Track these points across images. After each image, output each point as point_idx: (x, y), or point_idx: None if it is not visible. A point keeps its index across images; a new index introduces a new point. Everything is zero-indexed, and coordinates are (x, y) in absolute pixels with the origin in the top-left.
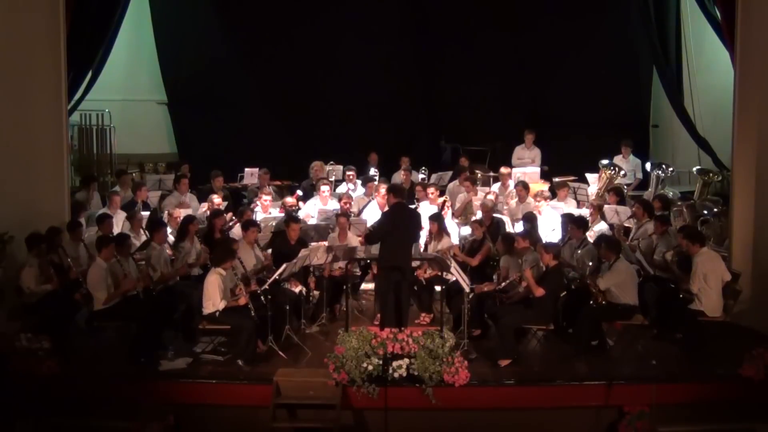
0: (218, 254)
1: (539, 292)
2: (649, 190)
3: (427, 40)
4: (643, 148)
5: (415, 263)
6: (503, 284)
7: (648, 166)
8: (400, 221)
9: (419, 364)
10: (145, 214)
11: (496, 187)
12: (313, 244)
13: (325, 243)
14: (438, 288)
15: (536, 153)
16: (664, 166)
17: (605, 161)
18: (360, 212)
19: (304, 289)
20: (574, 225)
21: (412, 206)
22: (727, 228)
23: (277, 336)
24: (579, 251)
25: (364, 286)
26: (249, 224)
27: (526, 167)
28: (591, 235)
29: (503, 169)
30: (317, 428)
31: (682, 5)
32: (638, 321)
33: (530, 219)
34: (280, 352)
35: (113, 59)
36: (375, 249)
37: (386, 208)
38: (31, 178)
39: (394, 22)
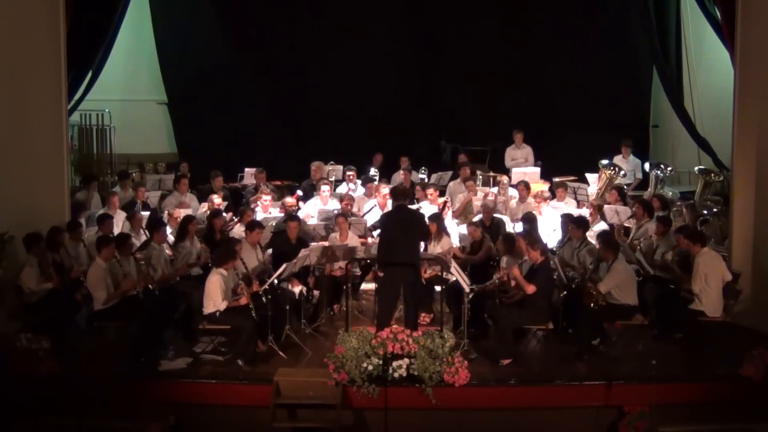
0: (220, 255)
1: (530, 288)
2: (649, 190)
3: (427, 39)
4: (643, 148)
5: None
6: (496, 281)
7: (647, 166)
8: (394, 222)
9: (419, 364)
10: (145, 214)
11: (496, 188)
12: (313, 244)
13: (326, 243)
14: (438, 288)
15: (528, 151)
16: (662, 166)
17: (605, 161)
18: (364, 215)
19: (304, 289)
20: (574, 225)
21: (412, 207)
22: (727, 228)
23: (277, 336)
24: (579, 251)
25: (364, 286)
26: (254, 225)
27: (524, 167)
28: (591, 235)
29: (501, 178)
30: (317, 428)
31: (682, 5)
32: (638, 321)
33: (530, 219)
34: (280, 352)
35: (113, 59)
36: (374, 249)
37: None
38: (31, 178)
39: (394, 22)
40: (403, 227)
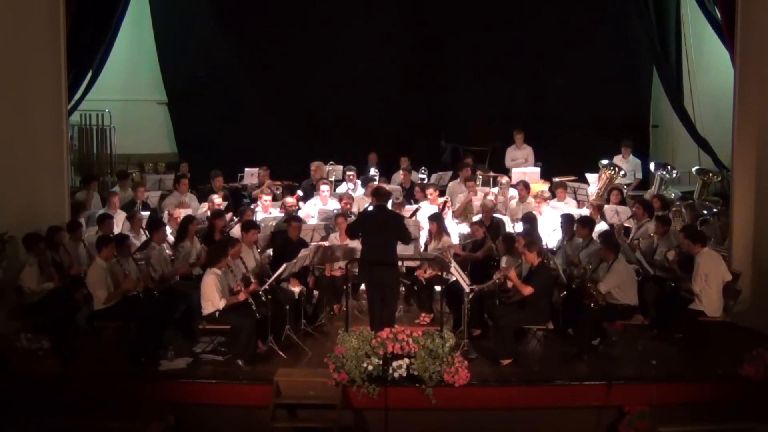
0: (212, 254)
1: (527, 290)
2: (651, 190)
3: (427, 40)
4: (643, 148)
5: (414, 263)
6: (496, 281)
7: (652, 166)
8: (372, 221)
9: (419, 364)
10: (145, 214)
11: (496, 188)
12: (313, 243)
13: (326, 243)
14: (438, 288)
15: (528, 152)
16: (669, 167)
17: (605, 161)
18: None
19: (304, 289)
20: (580, 225)
21: (412, 206)
22: (727, 228)
23: (277, 336)
24: (583, 250)
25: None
26: (249, 225)
27: (524, 167)
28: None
29: (501, 178)
30: (317, 428)
31: (682, 5)
32: (638, 321)
33: (530, 219)
34: (280, 352)
35: (113, 59)
36: None
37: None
38: (31, 178)
39: (394, 22)
40: (382, 227)
